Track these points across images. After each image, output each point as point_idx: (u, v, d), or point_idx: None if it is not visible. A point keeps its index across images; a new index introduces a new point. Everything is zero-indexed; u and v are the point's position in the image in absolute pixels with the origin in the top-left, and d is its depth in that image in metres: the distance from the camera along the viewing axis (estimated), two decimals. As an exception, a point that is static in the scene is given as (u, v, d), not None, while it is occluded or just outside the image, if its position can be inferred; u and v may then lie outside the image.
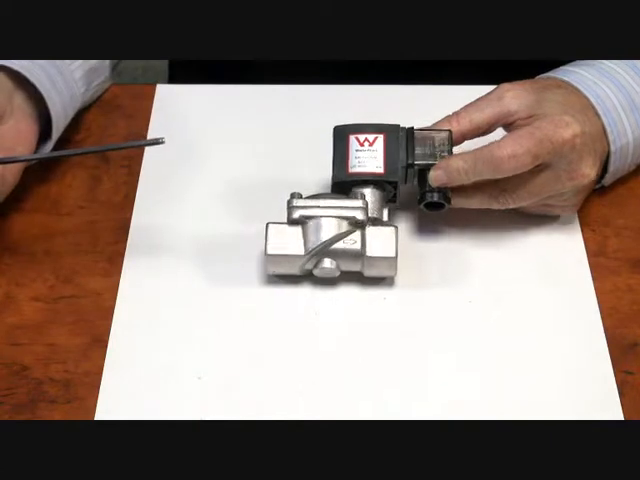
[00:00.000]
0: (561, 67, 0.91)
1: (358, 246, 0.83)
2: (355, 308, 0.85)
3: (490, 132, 0.87)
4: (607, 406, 0.78)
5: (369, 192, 0.85)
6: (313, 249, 0.83)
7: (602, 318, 0.84)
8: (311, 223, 0.83)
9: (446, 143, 0.85)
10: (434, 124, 0.87)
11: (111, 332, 0.83)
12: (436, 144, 0.85)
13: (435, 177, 0.84)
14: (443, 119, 0.87)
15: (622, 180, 0.93)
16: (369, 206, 0.84)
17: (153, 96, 1.03)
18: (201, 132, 1.00)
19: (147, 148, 0.98)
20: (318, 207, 0.83)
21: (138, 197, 0.93)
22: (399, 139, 0.85)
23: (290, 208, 0.83)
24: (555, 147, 0.82)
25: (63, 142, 0.95)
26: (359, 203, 0.83)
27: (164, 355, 0.82)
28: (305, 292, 0.86)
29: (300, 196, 0.84)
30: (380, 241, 0.83)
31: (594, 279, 0.86)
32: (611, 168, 0.88)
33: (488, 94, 0.87)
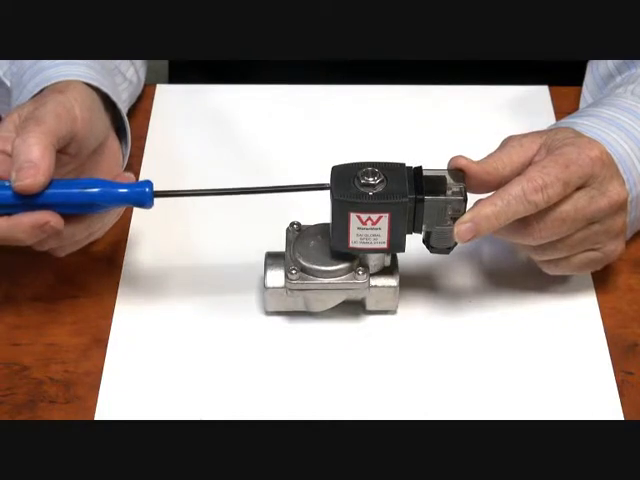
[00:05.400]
0: (561, 120, 0.87)
1: (359, 298, 0.83)
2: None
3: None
4: (607, 406, 0.78)
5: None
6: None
7: (602, 318, 0.84)
8: (311, 296, 0.82)
9: (459, 194, 0.77)
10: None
11: (111, 332, 0.83)
12: (448, 208, 0.76)
13: (461, 234, 0.76)
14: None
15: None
16: (371, 263, 0.81)
17: (153, 96, 1.04)
18: (201, 132, 1.00)
19: (146, 147, 0.98)
20: (316, 284, 0.81)
21: (138, 197, 0.93)
22: (406, 212, 0.76)
23: (287, 281, 0.80)
24: (584, 168, 0.77)
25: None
26: (362, 280, 0.80)
27: (164, 355, 0.82)
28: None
29: (299, 225, 0.83)
30: (381, 299, 0.82)
31: (594, 279, 0.86)
32: (631, 215, 0.82)
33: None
